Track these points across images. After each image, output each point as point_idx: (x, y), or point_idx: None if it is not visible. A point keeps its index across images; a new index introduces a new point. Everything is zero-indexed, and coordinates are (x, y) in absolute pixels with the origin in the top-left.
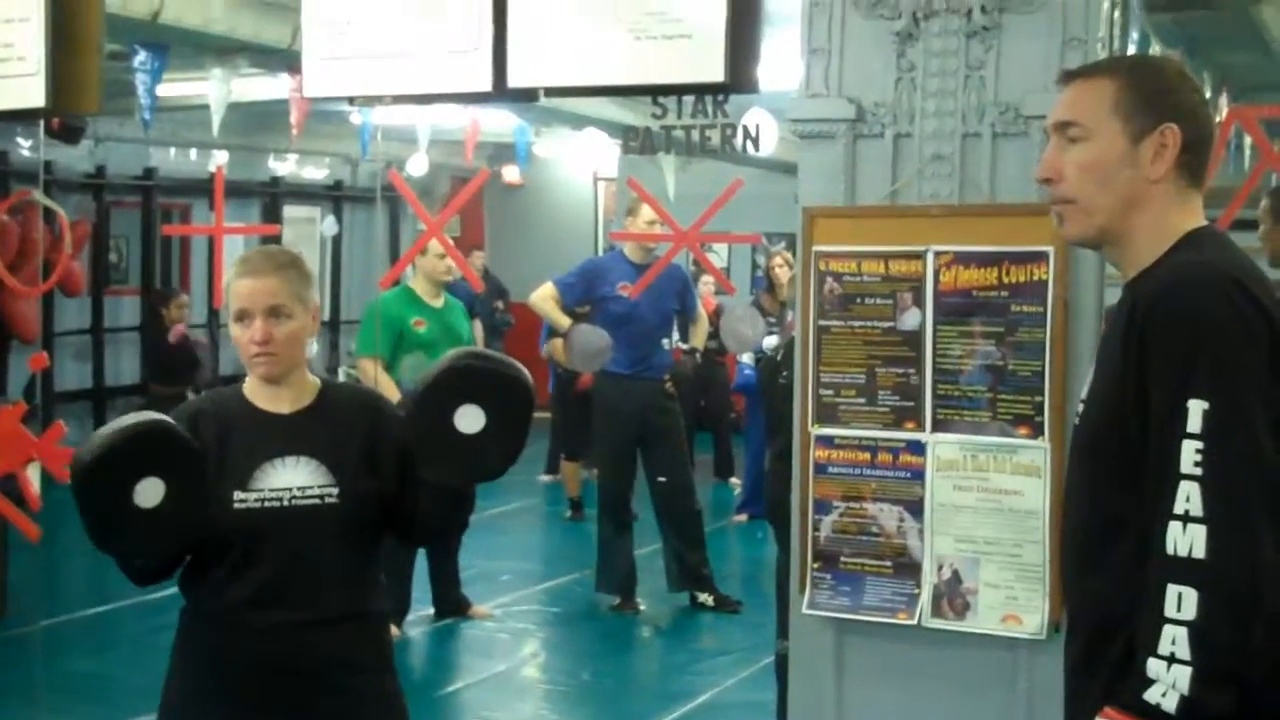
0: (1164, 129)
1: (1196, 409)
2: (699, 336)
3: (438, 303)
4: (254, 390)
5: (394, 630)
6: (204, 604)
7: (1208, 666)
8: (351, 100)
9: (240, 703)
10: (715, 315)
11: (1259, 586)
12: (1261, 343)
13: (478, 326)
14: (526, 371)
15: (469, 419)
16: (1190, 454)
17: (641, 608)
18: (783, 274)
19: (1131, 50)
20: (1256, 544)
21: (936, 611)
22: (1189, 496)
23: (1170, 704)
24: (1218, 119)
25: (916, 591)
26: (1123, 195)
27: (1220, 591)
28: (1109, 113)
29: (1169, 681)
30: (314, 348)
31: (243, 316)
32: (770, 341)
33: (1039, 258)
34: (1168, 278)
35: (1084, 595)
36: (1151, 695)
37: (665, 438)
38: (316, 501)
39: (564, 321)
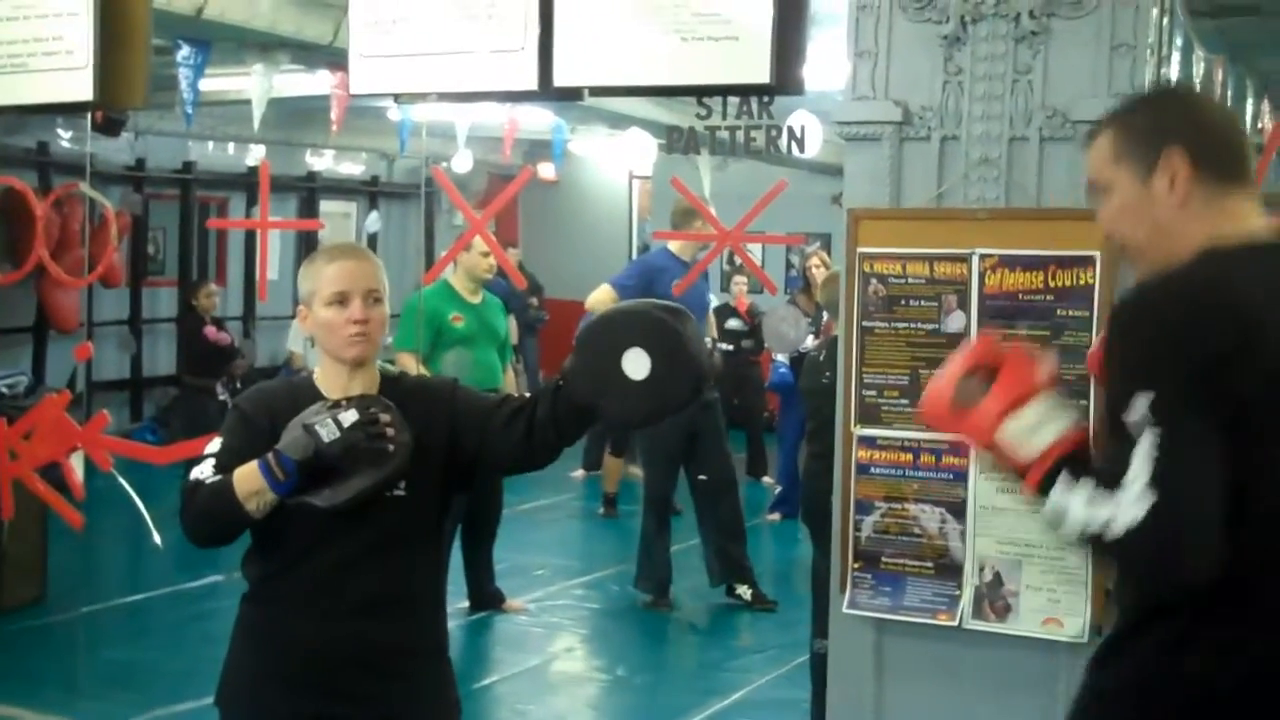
0: (1166, 155)
1: (1142, 400)
2: (709, 331)
3: (476, 299)
4: (326, 381)
5: None
6: (268, 589)
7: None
8: (397, 98)
9: (301, 687)
10: (748, 314)
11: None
12: (1184, 344)
13: (512, 323)
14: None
15: (635, 365)
16: (1141, 444)
17: (675, 606)
18: (819, 274)
19: (1176, 57)
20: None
21: (977, 613)
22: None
23: (1058, 502)
24: (1261, 126)
25: (957, 593)
26: (1158, 229)
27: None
28: (1113, 163)
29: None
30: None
31: (340, 299)
32: (809, 342)
33: (1085, 262)
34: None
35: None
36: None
37: (711, 435)
38: (384, 495)
39: None
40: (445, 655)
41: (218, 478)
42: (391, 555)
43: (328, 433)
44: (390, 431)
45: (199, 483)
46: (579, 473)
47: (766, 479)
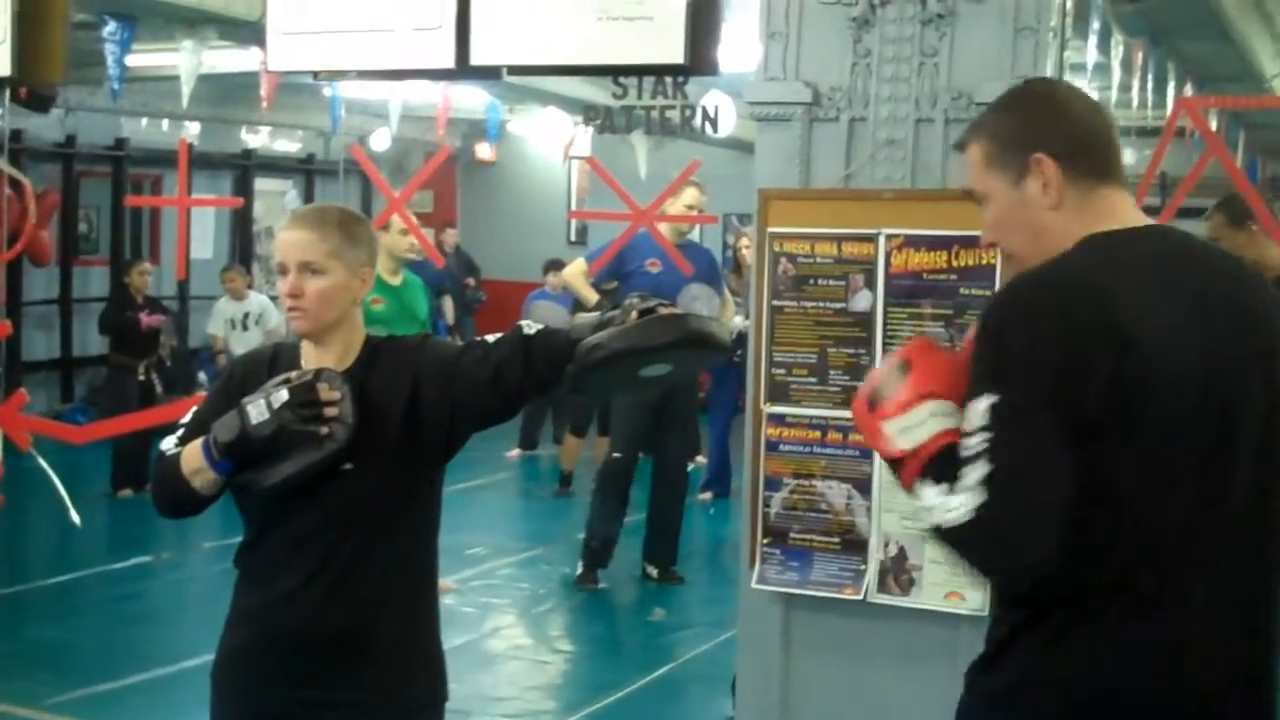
0: (1033, 161)
1: (984, 402)
2: (727, 316)
3: (396, 280)
4: (307, 348)
5: None
6: (241, 561)
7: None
8: (315, 74)
9: (263, 667)
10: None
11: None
12: (1035, 349)
13: (449, 303)
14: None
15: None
16: (975, 444)
17: (602, 585)
18: (749, 255)
19: (1093, 40)
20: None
21: (882, 587)
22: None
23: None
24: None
25: (863, 568)
26: (1034, 233)
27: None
28: (985, 171)
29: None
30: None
31: (281, 270)
32: (738, 322)
33: None
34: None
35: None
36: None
37: (680, 420)
38: (333, 473)
39: (592, 297)
40: (415, 642)
41: (177, 450)
42: (342, 535)
43: (257, 413)
44: (331, 411)
45: (163, 453)
46: (514, 452)
47: (700, 459)
